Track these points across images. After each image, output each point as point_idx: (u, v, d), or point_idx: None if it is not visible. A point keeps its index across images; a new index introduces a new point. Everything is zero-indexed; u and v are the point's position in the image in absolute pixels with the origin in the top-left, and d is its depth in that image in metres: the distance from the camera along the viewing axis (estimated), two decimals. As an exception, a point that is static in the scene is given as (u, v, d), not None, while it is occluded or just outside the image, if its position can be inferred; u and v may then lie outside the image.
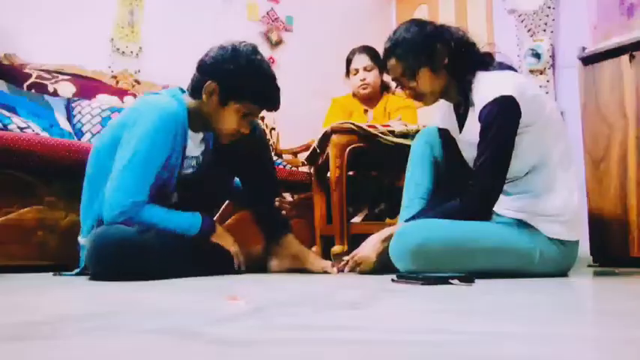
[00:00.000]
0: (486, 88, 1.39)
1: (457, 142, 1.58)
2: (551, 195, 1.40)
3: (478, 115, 1.38)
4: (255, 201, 1.72)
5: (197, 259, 1.47)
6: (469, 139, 1.47)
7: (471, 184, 1.39)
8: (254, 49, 1.51)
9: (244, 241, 1.69)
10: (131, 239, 1.35)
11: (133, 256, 1.34)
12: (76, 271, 1.51)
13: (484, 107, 1.36)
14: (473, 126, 1.43)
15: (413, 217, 1.47)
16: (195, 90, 1.53)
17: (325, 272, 1.59)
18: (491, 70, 1.45)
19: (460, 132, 1.54)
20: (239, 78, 1.46)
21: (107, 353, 0.47)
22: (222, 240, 1.52)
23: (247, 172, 1.69)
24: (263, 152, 1.71)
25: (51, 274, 1.54)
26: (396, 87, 1.56)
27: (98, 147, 1.52)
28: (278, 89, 1.53)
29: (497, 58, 1.52)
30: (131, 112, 1.50)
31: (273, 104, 1.55)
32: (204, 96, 1.49)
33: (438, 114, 1.67)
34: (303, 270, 1.63)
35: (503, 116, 1.34)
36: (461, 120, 1.53)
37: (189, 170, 1.61)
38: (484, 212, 1.41)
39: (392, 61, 1.47)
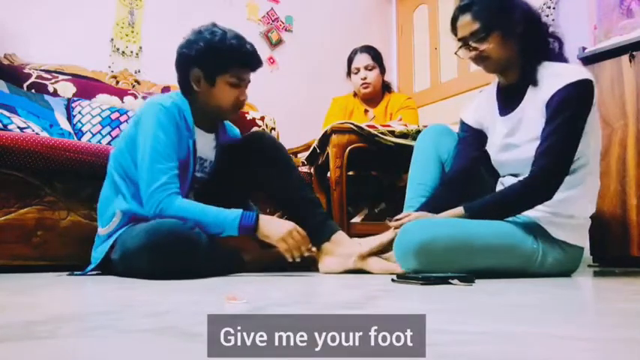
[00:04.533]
0: (560, 71, 1.36)
1: (490, 129, 1.53)
2: (575, 197, 1.38)
3: (550, 97, 1.33)
4: (287, 204, 1.65)
5: (223, 257, 1.50)
6: (516, 121, 1.43)
7: (533, 169, 1.34)
8: (213, 24, 1.54)
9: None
10: (184, 234, 1.34)
11: (186, 252, 1.34)
12: (90, 268, 1.52)
13: (560, 89, 1.32)
14: (530, 106, 1.39)
15: (470, 209, 1.39)
16: (185, 87, 1.56)
17: (390, 273, 1.44)
18: (556, 61, 1.42)
19: (501, 115, 1.48)
20: (212, 51, 1.48)
21: (107, 353, 0.47)
22: (268, 238, 1.45)
23: (267, 180, 1.65)
24: (277, 155, 1.65)
25: (56, 274, 1.54)
26: (460, 48, 1.46)
27: (115, 151, 1.57)
28: (252, 46, 1.54)
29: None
30: (137, 113, 1.55)
31: (254, 60, 1.55)
32: (194, 87, 1.53)
33: (472, 105, 1.62)
34: (359, 271, 1.53)
35: (580, 100, 1.32)
36: (506, 102, 1.48)
37: (200, 174, 1.62)
38: (545, 196, 1.35)
39: (466, 18, 1.41)
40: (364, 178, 2.46)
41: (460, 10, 1.43)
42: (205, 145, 1.62)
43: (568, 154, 1.33)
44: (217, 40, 1.48)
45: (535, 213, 1.39)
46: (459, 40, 1.46)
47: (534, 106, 1.39)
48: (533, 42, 1.41)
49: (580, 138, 1.33)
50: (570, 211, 1.38)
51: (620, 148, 2.01)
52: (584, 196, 1.40)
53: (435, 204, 1.49)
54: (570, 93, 1.31)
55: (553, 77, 1.36)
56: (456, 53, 1.48)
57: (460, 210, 1.40)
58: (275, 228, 1.44)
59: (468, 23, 1.41)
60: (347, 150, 1.98)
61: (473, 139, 1.57)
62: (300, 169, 2.61)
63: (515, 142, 1.44)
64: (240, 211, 1.43)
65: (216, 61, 1.49)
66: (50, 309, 0.79)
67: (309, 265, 1.68)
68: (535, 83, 1.40)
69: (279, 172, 1.63)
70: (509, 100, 1.48)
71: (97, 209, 1.60)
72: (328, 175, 2.13)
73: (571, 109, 1.31)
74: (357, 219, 2.35)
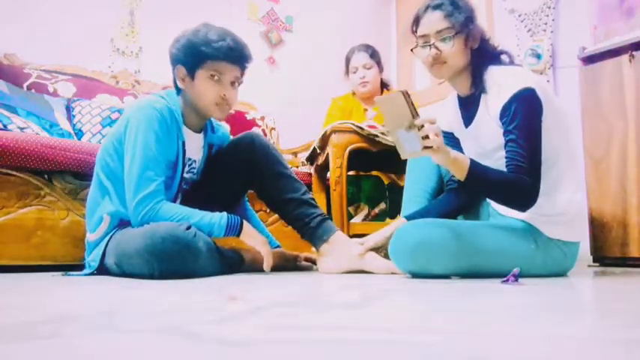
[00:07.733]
0: (505, 78, 1.37)
1: (461, 139, 1.56)
2: (557, 195, 1.39)
3: (500, 112, 1.35)
4: (281, 206, 1.64)
5: (223, 258, 1.49)
6: (478, 131, 1.45)
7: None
8: (204, 23, 1.53)
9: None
10: (181, 236, 1.33)
11: (184, 254, 1.33)
12: (86, 272, 1.51)
13: (509, 102, 1.32)
14: (485, 114, 1.41)
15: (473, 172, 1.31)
16: (175, 85, 1.56)
17: (393, 274, 1.47)
18: (503, 65, 1.44)
19: (467, 126, 1.50)
20: (190, 46, 1.48)
21: (107, 353, 0.47)
22: (252, 240, 1.49)
23: (259, 183, 1.66)
24: (265, 157, 1.63)
25: (51, 274, 1.54)
26: (417, 45, 1.44)
27: (102, 151, 1.55)
28: (235, 40, 1.51)
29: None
30: (122, 117, 1.54)
31: (239, 54, 1.52)
32: (180, 84, 1.53)
33: (444, 114, 1.63)
34: (359, 271, 1.53)
35: (531, 108, 1.32)
36: (467, 113, 1.50)
37: (189, 175, 1.62)
38: (525, 205, 1.33)
39: (436, 15, 1.40)
40: (364, 178, 2.47)
41: (430, 7, 1.42)
42: (194, 145, 1.61)
43: (535, 162, 1.32)
44: (198, 36, 1.48)
45: (529, 216, 1.39)
46: (421, 36, 1.43)
47: (488, 113, 1.40)
48: (484, 55, 1.43)
49: (540, 144, 1.33)
50: (560, 209, 1.38)
51: (620, 148, 2.01)
52: (567, 189, 1.40)
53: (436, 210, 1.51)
54: (520, 104, 1.31)
55: (497, 86, 1.37)
56: (412, 50, 1.45)
57: (466, 162, 1.30)
58: (257, 233, 1.51)
59: (437, 20, 1.39)
60: (347, 150, 1.98)
61: (456, 142, 1.57)
62: (300, 169, 2.62)
63: (484, 151, 1.46)
64: (225, 213, 1.46)
65: (193, 55, 1.48)
66: (50, 309, 0.79)
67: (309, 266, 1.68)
68: (484, 90, 1.41)
69: (270, 174, 1.62)
70: (468, 110, 1.49)
71: (85, 214, 1.58)
72: (328, 175, 2.13)
73: (527, 119, 1.31)
74: (357, 219, 2.35)
